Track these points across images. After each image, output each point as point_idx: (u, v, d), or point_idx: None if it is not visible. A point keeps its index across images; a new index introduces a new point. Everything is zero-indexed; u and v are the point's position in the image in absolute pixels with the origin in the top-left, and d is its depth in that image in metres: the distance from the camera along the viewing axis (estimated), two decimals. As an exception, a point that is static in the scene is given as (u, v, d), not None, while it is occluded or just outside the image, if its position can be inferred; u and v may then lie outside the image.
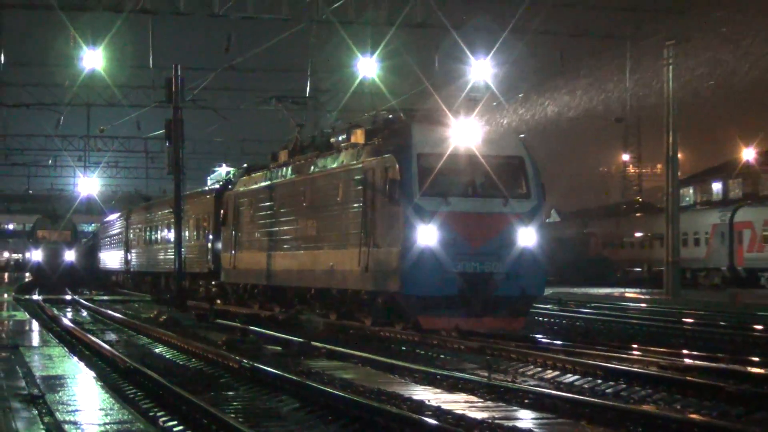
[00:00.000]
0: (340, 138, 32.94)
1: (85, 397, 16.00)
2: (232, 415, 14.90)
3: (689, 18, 39.34)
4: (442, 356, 24.62)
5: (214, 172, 63.79)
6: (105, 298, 61.55)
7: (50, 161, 78.53)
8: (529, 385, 18.93)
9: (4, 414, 13.55)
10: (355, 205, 29.99)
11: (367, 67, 40.50)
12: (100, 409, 14.57)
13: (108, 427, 13.00)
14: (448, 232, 26.83)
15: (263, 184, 39.47)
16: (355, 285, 30.37)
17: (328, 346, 26.07)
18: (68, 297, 61.43)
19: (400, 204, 27.00)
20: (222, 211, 44.81)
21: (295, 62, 47.26)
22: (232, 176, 51.77)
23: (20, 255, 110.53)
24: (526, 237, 27.31)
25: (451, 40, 41.28)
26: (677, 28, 38.42)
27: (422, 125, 28.61)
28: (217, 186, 49.04)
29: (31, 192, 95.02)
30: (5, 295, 61.04)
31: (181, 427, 15.22)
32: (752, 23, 27.92)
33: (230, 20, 38.88)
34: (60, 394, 16.04)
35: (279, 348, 26.26)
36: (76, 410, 14.30)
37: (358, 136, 30.95)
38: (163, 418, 16.05)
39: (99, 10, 38.17)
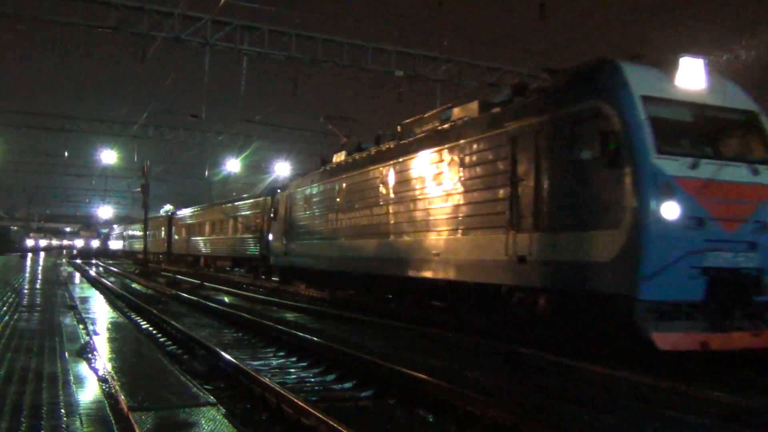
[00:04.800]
0: (439, 120, 12.15)
1: (97, 307, 15.08)
2: (165, 314, 14.35)
3: None
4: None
5: (163, 207, 60.77)
6: (110, 262, 58.47)
7: (87, 200, 75.51)
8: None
9: (58, 313, 12.69)
10: (493, 179, 9.78)
11: (233, 165, 39.28)
12: (104, 312, 13.84)
13: (106, 320, 12.34)
14: (695, 209, 7.22)
15: (317, 183, 17.39)
16: (498, 279, 9.52)
17: (214, 285, 25.31)
18: (93, 261, 57.95)
19: (624, 166, 7.33)
20: (273, 209, 22.16)
21: (198, 161, 45.94)
22: (172, 209, 49.02)
23: (72, 242, 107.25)
24: None
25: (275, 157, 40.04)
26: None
27: (632, 63, 8.14)
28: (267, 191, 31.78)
29: (78, 214, 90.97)
30: (64, 260, 57.69)
31: (140, 319, 14.80)
32: None
33: (172, 143, 37.31)
34: (85, 305, 15.15)
35: (189, 285, 25.48)
36: (93, 312, 13.55)
37: (473, 109, 11.01)
38: (133, 316, 15.61)
39: (112, 134, 36.13)
